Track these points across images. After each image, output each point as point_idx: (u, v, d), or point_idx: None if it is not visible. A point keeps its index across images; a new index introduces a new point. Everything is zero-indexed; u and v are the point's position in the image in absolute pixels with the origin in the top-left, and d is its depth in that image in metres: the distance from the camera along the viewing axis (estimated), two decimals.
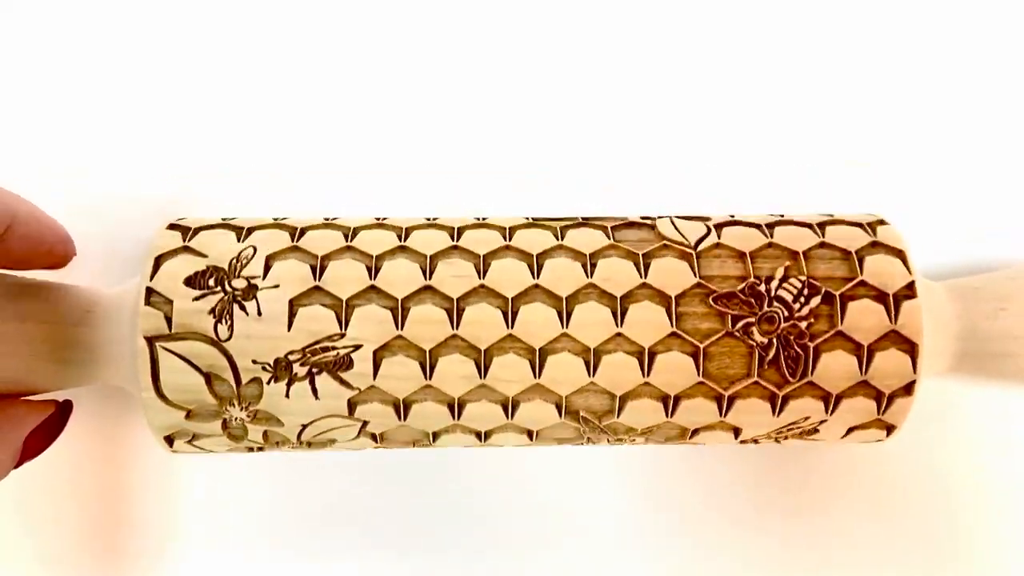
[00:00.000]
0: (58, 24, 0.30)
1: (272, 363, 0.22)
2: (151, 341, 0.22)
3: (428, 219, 0.25)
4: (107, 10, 0.30)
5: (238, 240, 0.23)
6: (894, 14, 0.31)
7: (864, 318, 0.23)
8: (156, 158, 0.29)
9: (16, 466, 0.23)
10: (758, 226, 0.24)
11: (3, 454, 0.22)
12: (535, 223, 0.25)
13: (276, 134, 0.30)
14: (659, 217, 0.25)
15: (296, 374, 0.22)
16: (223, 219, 0.25)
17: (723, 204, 0.29)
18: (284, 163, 0.30)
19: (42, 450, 0.24)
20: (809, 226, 0.25)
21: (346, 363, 0.22)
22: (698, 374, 0.23)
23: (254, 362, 0.22)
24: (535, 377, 0.23)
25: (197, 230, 0.24)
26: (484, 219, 0.25)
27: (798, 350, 0.23)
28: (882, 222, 0.25)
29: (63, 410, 0.24)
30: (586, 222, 0.25)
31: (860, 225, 0.25)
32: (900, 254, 0.24)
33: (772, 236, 0.24)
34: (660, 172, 0.30)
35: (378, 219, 0.25)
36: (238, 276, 0.23)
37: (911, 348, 0.23)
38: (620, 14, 0.31)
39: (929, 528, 0.30)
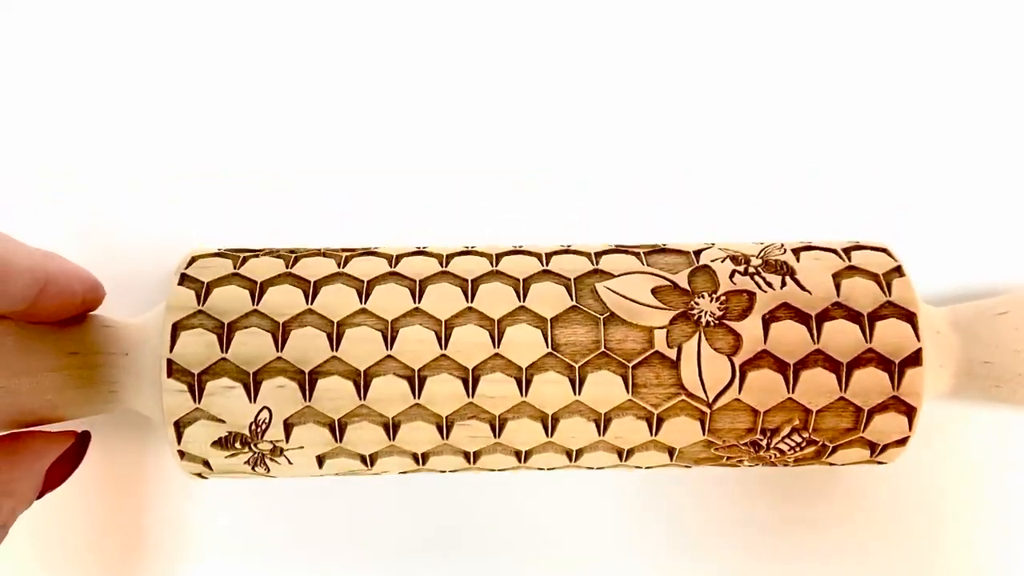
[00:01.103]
0: (58, 24, 0.30)
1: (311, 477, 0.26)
2: (199, 473, 0.25)
3: (442, 354, 0.23)
4: (108, 11, 0.30)
5: (249, 399, 0.23)
6: (896, 41, 0.30)
7: (849, 457, 0.25)
8: (155, 158, 0.29)
9: (38, 497, 0.23)
10: (786, 368, 0.23)
11: (25, 486, 0.22)
12: (552, 356, 0.23)
13: (276, 134, 0.29)
14: (689, 329, 0.23)
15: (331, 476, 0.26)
16: (222, 355, 0.23)
17: (722, 206, 0.29)
18: (284, 163, 0.30)
19: (63, 480, 0.24)
20: (837, 369, 0.24)
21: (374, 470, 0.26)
22: (669, 459, 0.26)
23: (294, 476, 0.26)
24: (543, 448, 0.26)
25: (202, 378, 0.23)
26: (499, 354, 0.23)
27: (778, 466, 0.26)
28: (916, 360, 0.24)
29: (82, 441, 0.25)
30: (607, 353, 0.23)
31: (890, 368, 0.24)
32: (910, 412, 0.24)
33: (795, 387, 0.23)
34: (660, 173, 0.30)
35: (389, 354, 0.23)
36: (262, 440, 0.24)
37: (882, 462, 0.26)
38: (621, 15, 0.31)
39: (928, 551, 0.30)
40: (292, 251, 0.26)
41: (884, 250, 0.26)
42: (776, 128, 0.30)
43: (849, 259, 0.25)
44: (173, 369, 0.23)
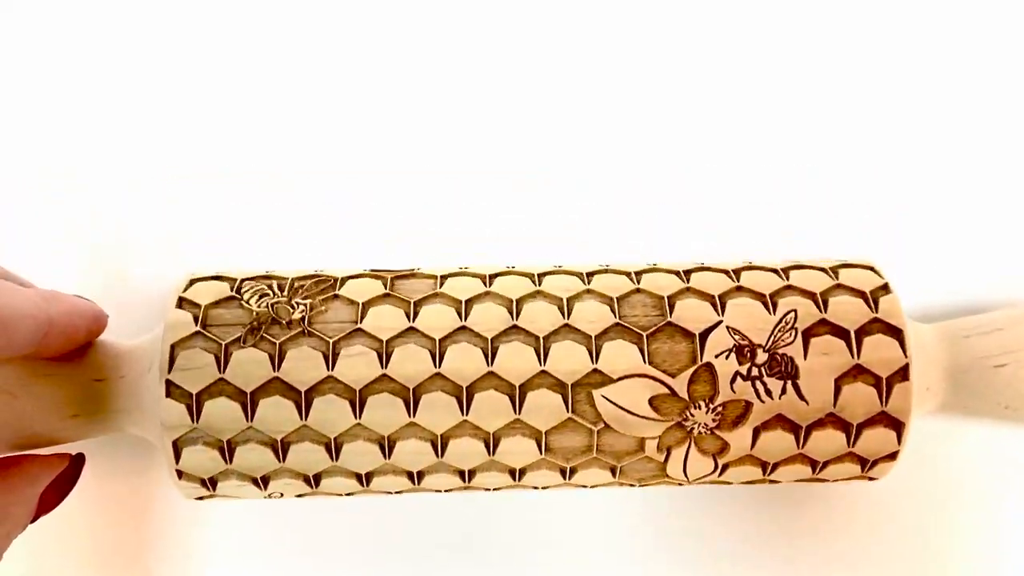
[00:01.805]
0: (58, 24, 0.30)
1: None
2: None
3: (439, 461, 0.24)
4: (107, 11, 0.30)
5: (260, 489, 0.25)
6: (884, 58, 0.30)
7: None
8: (155, 158, 0.29)
9: (31, 521, 0.23)
10: (766, 465, 0.25)
11: (20, 510, 0.22)
12: (545, 460, 0.24)
13: (275, 134, 0.29)
14: (680, 434, 0.24)
15: None
16: (227, 465, 0.24)
17: (720, 208, 0.29)
18: (284, 163, 0.30)
19: (57, 504, 0.24)
20: (815, 465, 0.25)
21: None
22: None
23: None
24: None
25: (213, 479, 0.24)
26: (494, 460, 0.24)
27: None
28: (892, 457, 0.25)
29: (76, 464, 0.24)
30: (598, 458, 0.24)
31: (864, 462, 0.25)
32: (871, 479, 0.26)
33: (772, 473, 0.25)
34: (660, 173, 0.30)
35: (388, 462, 0.24)
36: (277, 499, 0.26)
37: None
38: (620, 17, 0.31)
39: (920, 564, 0.30)
40: (274, 317, 0.24)
41: (899, 333, 0.24)
42: (773, 133, 0.30)
43: (859, 352, 0.24)
44: (183, 474, 0.24)
